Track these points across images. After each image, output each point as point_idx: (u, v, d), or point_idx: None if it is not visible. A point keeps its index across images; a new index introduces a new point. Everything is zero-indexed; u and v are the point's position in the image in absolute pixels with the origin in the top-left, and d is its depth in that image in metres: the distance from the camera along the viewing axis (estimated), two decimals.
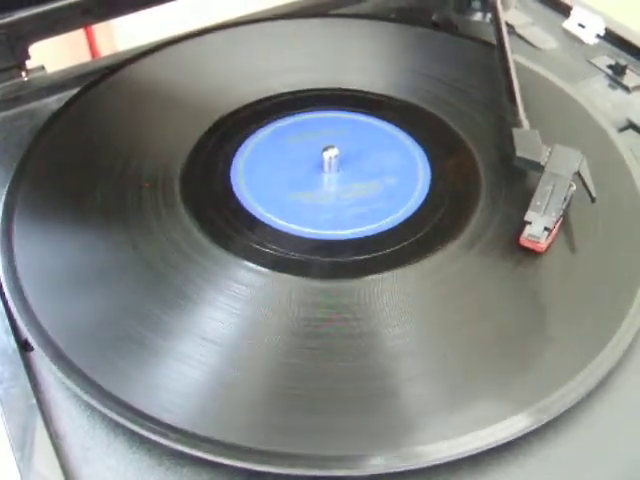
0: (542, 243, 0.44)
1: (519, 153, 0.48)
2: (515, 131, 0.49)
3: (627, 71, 0.61)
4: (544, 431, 0.37)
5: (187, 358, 0.39)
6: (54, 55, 0.67)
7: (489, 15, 0.67)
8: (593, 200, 0.46)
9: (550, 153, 0.47)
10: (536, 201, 0.45)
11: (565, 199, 0.45)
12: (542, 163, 0.47)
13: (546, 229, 0.44)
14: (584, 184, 0.46)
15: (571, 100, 0.56)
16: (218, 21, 0.65)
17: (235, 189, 0.49)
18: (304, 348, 0.39)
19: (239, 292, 0.42)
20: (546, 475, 0.36)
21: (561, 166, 0.46)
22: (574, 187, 0.46)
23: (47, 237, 0.46)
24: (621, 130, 0.56)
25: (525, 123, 0.50)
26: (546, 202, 0.45)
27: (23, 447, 0.36)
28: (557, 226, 0.45)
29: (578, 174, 0.46)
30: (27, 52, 0.61)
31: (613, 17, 0.66)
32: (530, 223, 0.44)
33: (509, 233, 0.45)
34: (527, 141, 0.48)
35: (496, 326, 0.41)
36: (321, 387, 0.38)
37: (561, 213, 0.45)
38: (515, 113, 0.51)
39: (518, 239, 0.44)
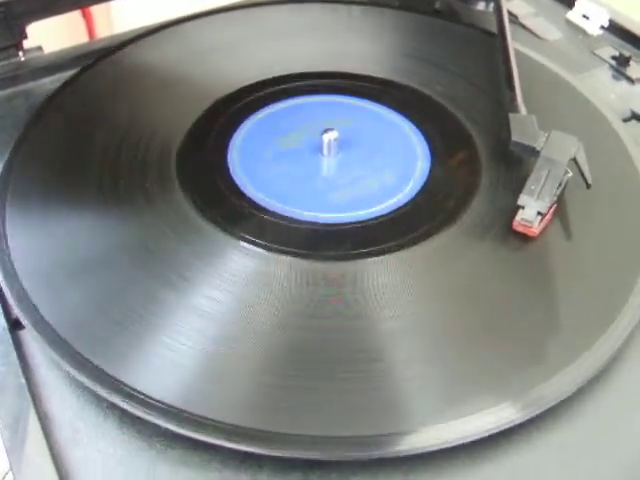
0: (535, 228, 0.43)
1: (515, 138, 0.48)
2: (512, 116, 0.49)
3: (631, 62, 0.60)
4: (543, 419, 0.36)
5: (181, 338, 0.38)
6: (52, 38, 0.66)
7: (492, 5, 0.66)
8: (588, 186, 0.45)
9: (547, 138, 0.47)
10: (530, 185, 0.44)
11: (560, 185, 0.44)
12: (538, 148, 0.46)
13: (539, 214, 0.43)
14: (580, 170, 0.46)
15: (575, 91, 0.56)
16: (217, 4, 0.64)
17: (232, 171, 0.48)
18: (301, 329, 0.39)
19: (236, 273, 0.41)
20: (546, 464, 0.35)
21: (557, 151, 0.46)
22: (570, 173, 0.45)
23: (40, 216, 0.45)
24: (625, 121, 0.55)
25: (522, 109, 0.50)
26: (540, 187, 0.44)
27: (11, 427, 0.36)
28: (551, 212, 0.44)
29: (574, 160, 0.46)
30: (25, 32, 0.60)
31: (617, 8, 0.65)
32: (523, 207, 0.43)
33: (508, 219, 0.44)
34: (523, 126, 0.48)
35: (494, 312, 0.40)
36: (317, 368, 0.37)
37: (555, 199, 0.44)
38: (513, 99, 0.51)
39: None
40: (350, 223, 0.45)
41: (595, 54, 0.62)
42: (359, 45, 0.60)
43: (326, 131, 0.49)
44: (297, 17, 0.63)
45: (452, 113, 0.53)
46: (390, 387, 0.36)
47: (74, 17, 0.97)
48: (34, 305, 0.39)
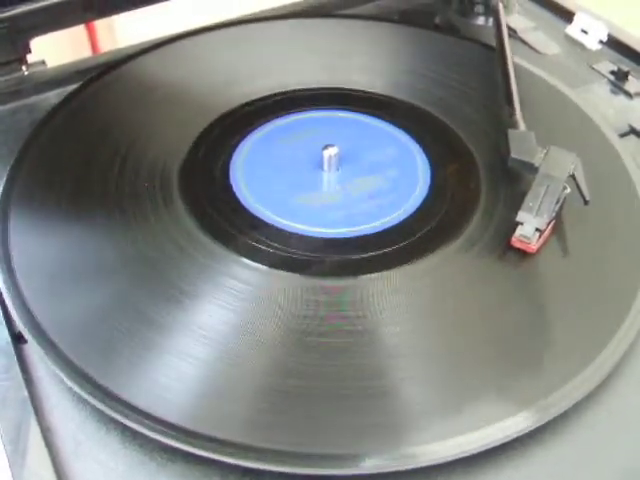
0: (533, 244, 0.43)
1: (514, 154, 0.48)
2: (511, 132, 0.49)
3: (629, 77, 0.60)
4: (541, 433, 0.36)
5: (182, 353, 0.38)
6: (55, 51, 0.66)
7: (491, 19, 0.67)
8: (586, 202, 0.46)
9: (545, 155, 0.47)
10: (528, 202, 0.44)
11: (558, 201, 0.45)
12: (536, 164, 0.46)
13: (537, 230, 0.43)
14: (578, 186, 0.46)
15: (573, 105, 0.56)
16: (220, 19, 0.65)
17: (234, 186, 0.48)
18: (301, 346, 0.39)
19: (237, 289, 0.41)
20: (542, 477, 0.35)
21: (555, 168, 0.46)
22: (568, 189, 0.45)
23: (43, 230, 0.46)
24: (622, 135, 0.55)
25: (521, 125, 0.50)
26: (539, 203, 0.44)
27: (14, 440, 0.36)
28: (549, 228, 0.44)
29: (572, 176, 0.46)
30: (28, 46, 0.61)
31: (616, 23, 0.66)
32: (522, 224, 0.44)
33: (507, 235, 0.44)
34: (522, 142, 0.48)
35: (494, 327, 0.41)
36: (317, 385, 0.37)
37: (553, 215, 0.44)
38: (512, 115, 0.51)
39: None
40: (351, 239, 0.45)
41: (594, 69, 0.63)
42: (359, 60, 0.60)
43: (327, 147, 0.49)
44: (298, 32, 0.63)
45: (452, 128, 0.53)
46: (389, 404, 0.37)
47: (77, 30, 0.98)
48: (37, 319, 0.40)
